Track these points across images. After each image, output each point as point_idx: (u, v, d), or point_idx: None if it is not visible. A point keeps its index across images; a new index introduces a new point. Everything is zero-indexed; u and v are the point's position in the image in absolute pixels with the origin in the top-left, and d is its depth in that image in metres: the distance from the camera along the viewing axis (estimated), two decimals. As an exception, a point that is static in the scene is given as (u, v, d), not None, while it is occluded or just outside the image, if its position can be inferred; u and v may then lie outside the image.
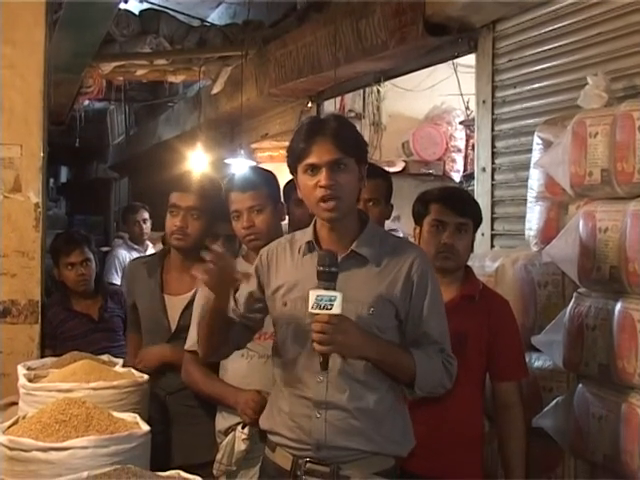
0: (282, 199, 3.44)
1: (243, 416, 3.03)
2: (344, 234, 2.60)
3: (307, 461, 2.55)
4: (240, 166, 7.89)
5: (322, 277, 2.41)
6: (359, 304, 2.52)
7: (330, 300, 2.37)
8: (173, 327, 3.52)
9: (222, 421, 3.20)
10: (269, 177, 3.40)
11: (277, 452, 2.63)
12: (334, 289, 2.39)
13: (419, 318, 2.59)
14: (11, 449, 2.22)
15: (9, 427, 2.37)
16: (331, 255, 2.44)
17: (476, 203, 3.40)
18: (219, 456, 3.10)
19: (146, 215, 7.46)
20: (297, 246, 2.67)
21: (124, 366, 3.32)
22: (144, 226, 7.43)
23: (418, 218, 3.32)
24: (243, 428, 3.05)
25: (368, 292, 2.54)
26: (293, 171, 2.63)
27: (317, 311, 2.38)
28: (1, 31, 3.91)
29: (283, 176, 3.27)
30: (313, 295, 2.39)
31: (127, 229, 7.60)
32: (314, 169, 2.52)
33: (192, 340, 3.29)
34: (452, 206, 3.22)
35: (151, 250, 6.99)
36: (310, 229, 2.66)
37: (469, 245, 3.27)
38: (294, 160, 2.59)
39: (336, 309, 2.37)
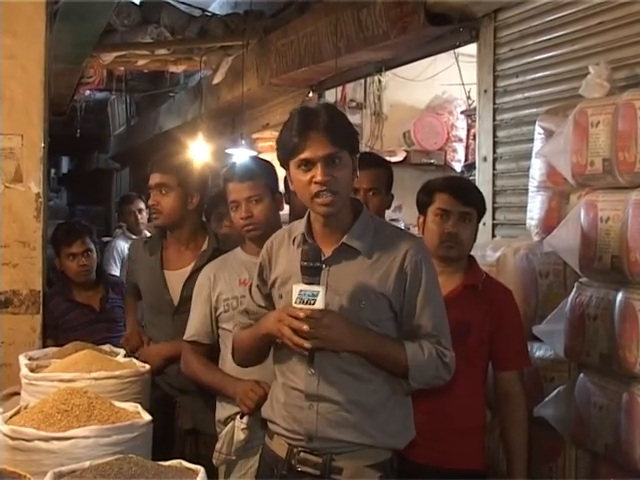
0: (283, 188, 3.45)
1: (242, 406, 3.04)
2: (337, 227, 2.57)
3: (301, 450, 2.56)
4: (241, 156, 7.88)
5: (305, 272, 2.40)
6: (350, 297, 2.51)
7: (313, 295, 2.36)
8: (176, 301, 3.55)
9: (221, 411, 3.22)
10: (267, 167, 3.41)
11: (274, 440, 2.65)
12: (318, 284, 2.39)
13: (413, 310, 2.56)
14: (13, 439, 2.23)
15: (11, 417, 2.38)
16: (315, 250, 2.43)
17: (480, 193, 3.40)
18: (218, 445, 3.11)
19: (142, 205, 7.42)
20: (293, 237, 2.65)
21: (125, 353, 3.33)
22: (139, 216, 7.39)
23: (422, 207, 3.31)
24: (242, 418, 3.05)
25: (359, 285, 2.52)
26: (284, 165, 2.59)
27: (300, 306, 2.38)
28: (1, 21, 3.90)
29: (283, 166, 3.28)
30: (296, 290, 2.39)
31: (123, 219, 7.57)
32: (308, 164, 2.48)
33: (191, 330, 3.30)
34: (457, 195, 3.21)
35: None
36: (304, 222, 2.63)
37: (473, 235, 3.27)
38: (286, 155, 2.54)
39: (319, 304, 2.37)
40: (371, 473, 2.55)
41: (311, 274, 2.39)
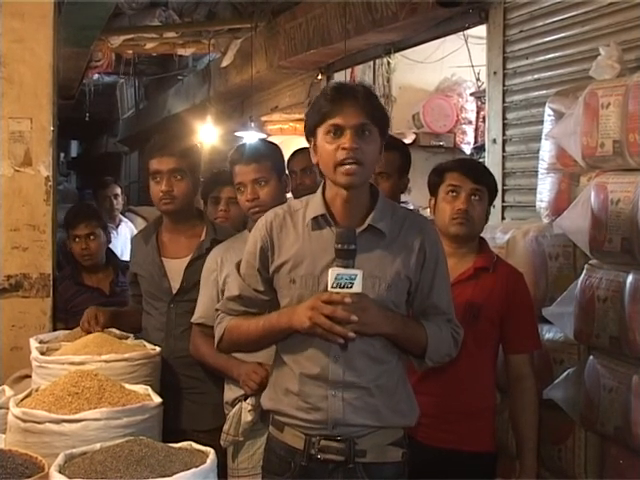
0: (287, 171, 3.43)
1: (245, 387, 3.05)
2: (358, 207, 2.52)
3: (320, 438, 2.51)
4: (250, 139, 7.88)
5: (341, 255, 2.35)
6: (376, 280, 2.48)
7: (350, 279, 2.31)
8: (174, 290, 3.52)
9: (229, 393, 3.23)
10: (273, 149, 3.40)
11: (286, 432, 2.58)
12: (353, 267, 2.34)
13: (429, 289, 2.57)
14: (25, 421, 2.25)
15: (22, 400, 2.39)
16: (350, 232, 2.38)
17: (491, 174, 3.38)
18: (226, 427, 3.12)
19: (118, 190, 7.33)
20: (299, 218, 2.57)
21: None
22: (115, 201, 7.24)
23: (433, 188, 3.30)
24: (246, 399, 3.07)
25: (385, 268, 2.50)
26: (311, 134, 2.52)
27: (337, 290, 2.32)
28: (10, 4, 3.89)
29: (292, 149, 3.27)
30: (333, 274, 2.33)
31: (97, 205, 7.35)
32: (337, 131, 2.43)
33: (199, 313, 3.30)
34: (467, 173, 3.21)
35: (124, 226, 6.92)
36: (318, 202, 2.55)
37: (483, 213, 3.25)
38: (316, 121, 2.47)
39: (357, 287, 2.32)
40: (394, 450, 2.57)
41: (346, 257, 2.34)
